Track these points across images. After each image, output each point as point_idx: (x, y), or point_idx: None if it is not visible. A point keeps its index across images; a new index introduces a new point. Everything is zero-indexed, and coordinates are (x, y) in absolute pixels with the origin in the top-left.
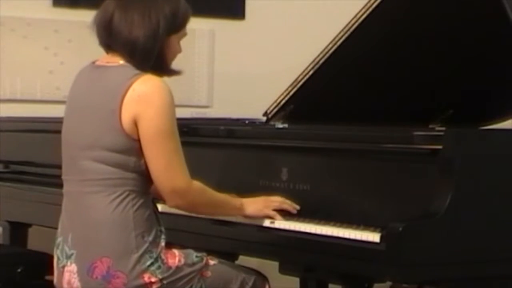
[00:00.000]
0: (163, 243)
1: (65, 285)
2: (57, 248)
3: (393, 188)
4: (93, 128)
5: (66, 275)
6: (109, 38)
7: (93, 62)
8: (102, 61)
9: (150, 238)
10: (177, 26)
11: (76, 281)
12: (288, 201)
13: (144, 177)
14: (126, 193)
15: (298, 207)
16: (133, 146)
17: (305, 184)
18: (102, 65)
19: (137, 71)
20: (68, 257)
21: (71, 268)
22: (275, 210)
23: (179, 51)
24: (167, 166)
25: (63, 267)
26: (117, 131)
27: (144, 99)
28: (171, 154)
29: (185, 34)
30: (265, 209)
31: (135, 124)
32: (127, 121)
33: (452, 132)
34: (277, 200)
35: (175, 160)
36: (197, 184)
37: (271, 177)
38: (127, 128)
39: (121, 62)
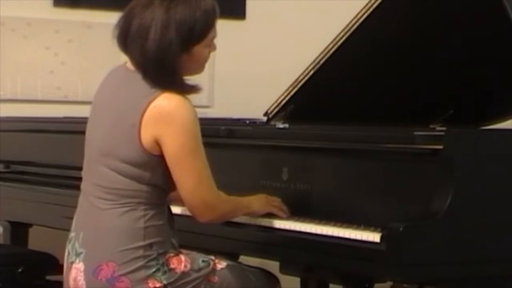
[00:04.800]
0: (171, 254)
1: (71, 281)
2: (69, 242)
3: (394, 188)
4: (111, 137)
5: (73, 272)
6: (126, 51)
7: (126, 63)
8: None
9: (161, 250)
10: (196, 37)
11: (81, 279)
12: (284, 206)
13: (159, 189)
14: (139, 205)
15: (287, 213)
16: (150, 161)
17: (305, 184)
18: (132, 69)
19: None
20: (77, 254)
21: (79, 266)
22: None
23: (213, 49)
24: (197, 183)
25: (72, 263)
26: (135, 145)
27: (166, 117)
28: (199, 171)
29: (213, 37)
30: (268, 205)
31: (157, 143)
32: (148, 138)
33: (452, 132)
34: (277, 201)
35: (204, 177)
36: (222, 193)
37: (271, 177)
38: (147, 144)
39: None
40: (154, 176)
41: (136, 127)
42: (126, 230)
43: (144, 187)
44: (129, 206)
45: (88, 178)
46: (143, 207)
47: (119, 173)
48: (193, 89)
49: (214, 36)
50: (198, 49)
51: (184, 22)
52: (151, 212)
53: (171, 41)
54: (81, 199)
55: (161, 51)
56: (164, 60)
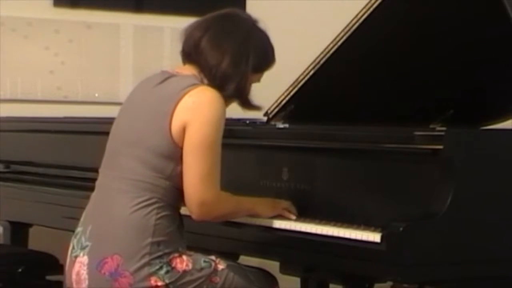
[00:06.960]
0: (175, 254)
1: (74, 275)
2: (75, 237)
3: (394, 188)
4: (142, 126)
5: (77, 266)
6: (196, 55)
7: (163, 70)
8: (172, 70)
9: (166, 250)
10: (262, 67)
11: (84, 273)
12: (293, 207)
13: (175, 190)
14: (154, 200)
15: (296, 215)
16: (175, 153)
17: (305, 184)
18: (170, 72)
19: (198, 81)
20: (83, 248)
21: (83, 260)
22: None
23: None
24: (204, 176)
25: (76, 257)
26: (164, 134)
27: (198, 107)
28: (209, 166)
29: (258, 80)
30: (274, 209)
31: (184, 131)
32: (177, 126)
33: (452, 132)
34: (285, 203)
35: (211, 173)
36: (223, 194)
37: (271, 177)
38: (175, 134)
39: (193, 72)
40: (175, 171)
41: (169, 115)
42: (136, 224)
43: (163, 183)
44: (144, 201)
45: (107, 172)
46: (157, 204)
47: (142, 163)
48: (254, 106)
49: (260, 78)
50: (255, 77)
51: (262, 45)
52: (163, 212)
53: (248, 57)
54: (95, 194)
55: (236, 64)
56: (235, 72)
